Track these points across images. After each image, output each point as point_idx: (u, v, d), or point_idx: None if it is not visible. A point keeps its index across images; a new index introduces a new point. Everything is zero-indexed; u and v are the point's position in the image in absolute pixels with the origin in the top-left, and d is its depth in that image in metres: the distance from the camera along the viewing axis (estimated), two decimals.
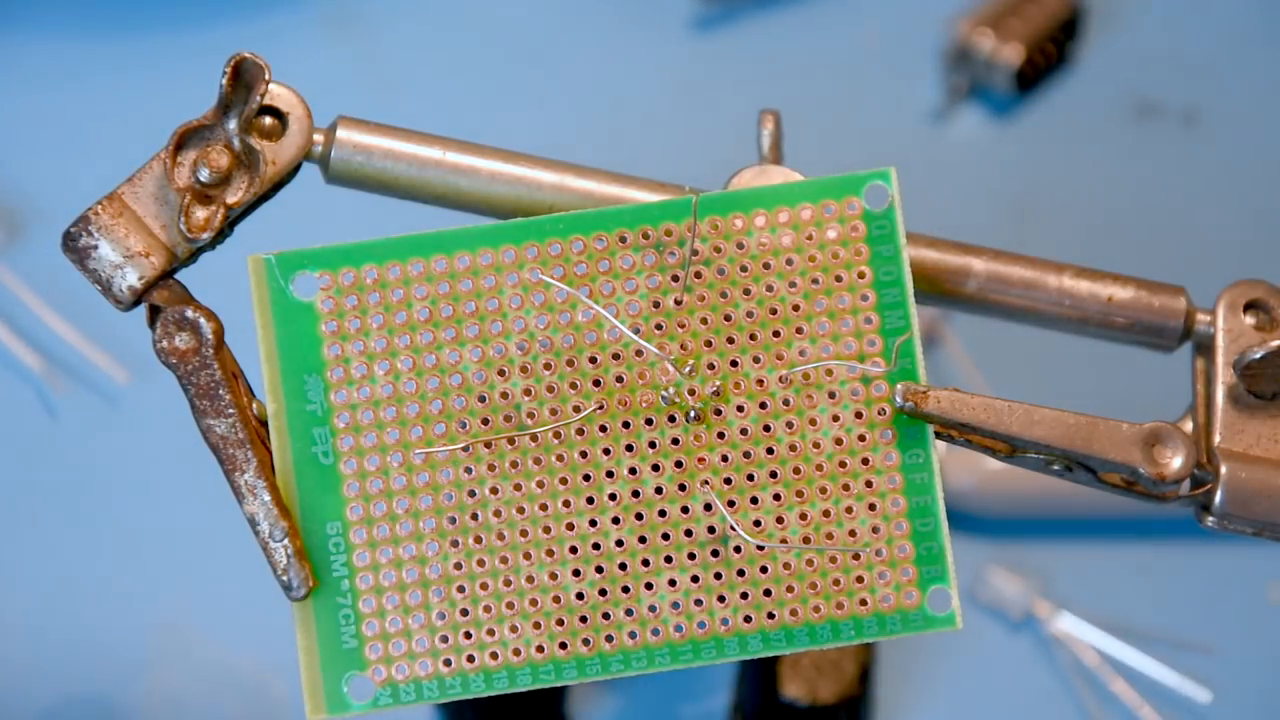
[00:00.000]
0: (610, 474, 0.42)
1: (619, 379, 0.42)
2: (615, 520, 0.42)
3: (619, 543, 0.42)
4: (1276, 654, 0.65)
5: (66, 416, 0.66)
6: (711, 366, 0.42)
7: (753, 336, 0.43)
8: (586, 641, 0.42)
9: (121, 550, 0.65)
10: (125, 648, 0.62)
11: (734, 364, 0.43)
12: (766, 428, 0.42)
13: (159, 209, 0.43)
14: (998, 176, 0.72)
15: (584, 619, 0.42)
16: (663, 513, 0.42)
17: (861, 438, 0.42)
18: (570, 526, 0.42)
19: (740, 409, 0.42)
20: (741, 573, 0.42)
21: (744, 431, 0.42)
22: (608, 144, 0.70)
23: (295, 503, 0.42)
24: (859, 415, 0.42)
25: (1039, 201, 0.71)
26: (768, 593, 0.42)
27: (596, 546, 0.42)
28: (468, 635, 0.42)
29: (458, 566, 0.42)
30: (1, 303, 0.67)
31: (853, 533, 0.43)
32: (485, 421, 0.42)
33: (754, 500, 0.42)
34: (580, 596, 0.42)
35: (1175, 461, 0.42)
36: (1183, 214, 0.71)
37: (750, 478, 0.42)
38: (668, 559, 0.42)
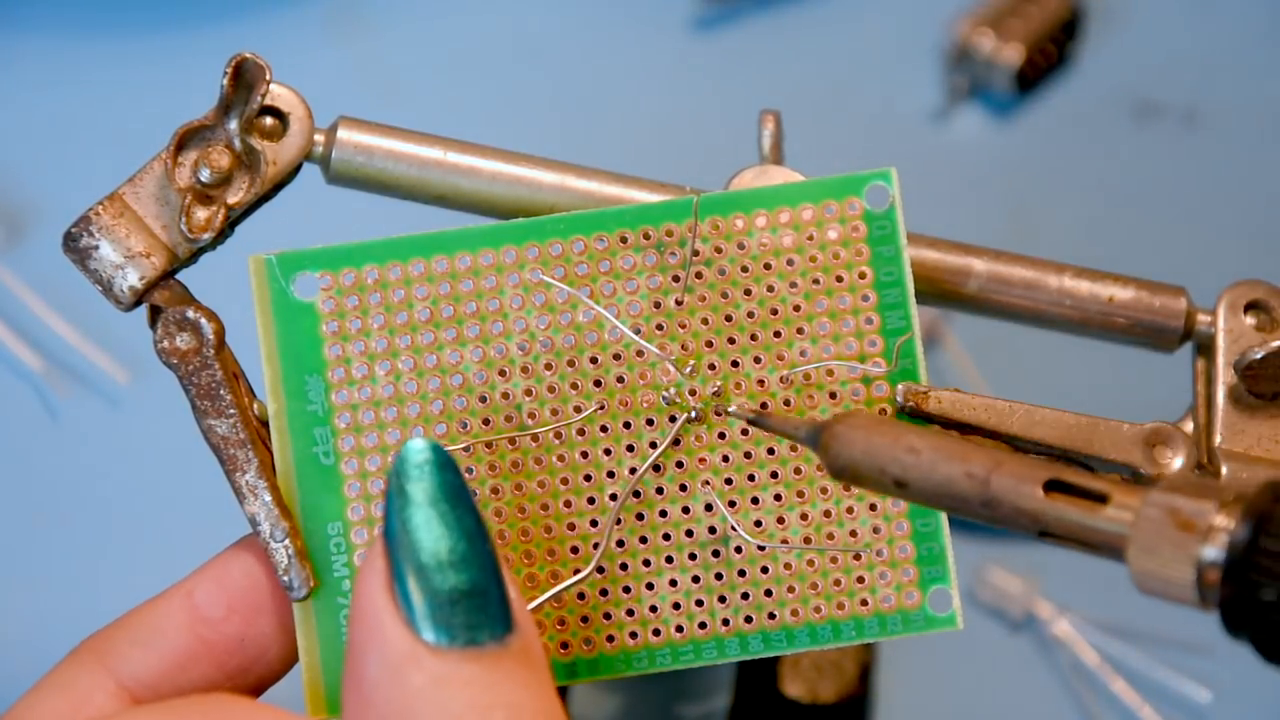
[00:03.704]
0: (611, 474, 0.42)
1: (620, 379, 0.42)
2: (616, 521, 0.42)
3: (620, 543, 0.42)
4: None
5: (67, 416, 0.66)
6: (712, 367, 0.43)
7: (754, 337, 0.43)
8: (588, 641, 0.42)
9: (122, 550, 0.64)
10: None
11: (735, 364, 0.43)
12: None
13: (160, 209, 0.43)
14: (998, 176, 0.72)
15: (585, 619, 0.42)
16: (664, 513, 0.42)
17: None
18: (571, 527, 0.42)
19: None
20: (742, 573, 0.42)
21: (745, 432, 0.42)
22: (608, 144, 0.70)
23: (296, 503, 0.42)
24: None
25: (1039, 201, 0.71)
26: (768, 593, 0.42)
27: (597, 546, 0.42)
28: None
29: None
30: (1, 303, 0.67)
31: (853, 533, 0.43)
32: (486, 422, 0.42)
33: (755, 500, 0.42)
34: (581, 596, 0.42)
35: (1176, 462, 0.42)
36: (1183, 214, 0.71)
37: (751, 478, 0.42)
38: (669, 559, 0.42)
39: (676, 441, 0.42)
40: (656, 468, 0.42)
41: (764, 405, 0.42)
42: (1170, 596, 0.35)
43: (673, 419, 0.42)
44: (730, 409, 0.42)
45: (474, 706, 0.36)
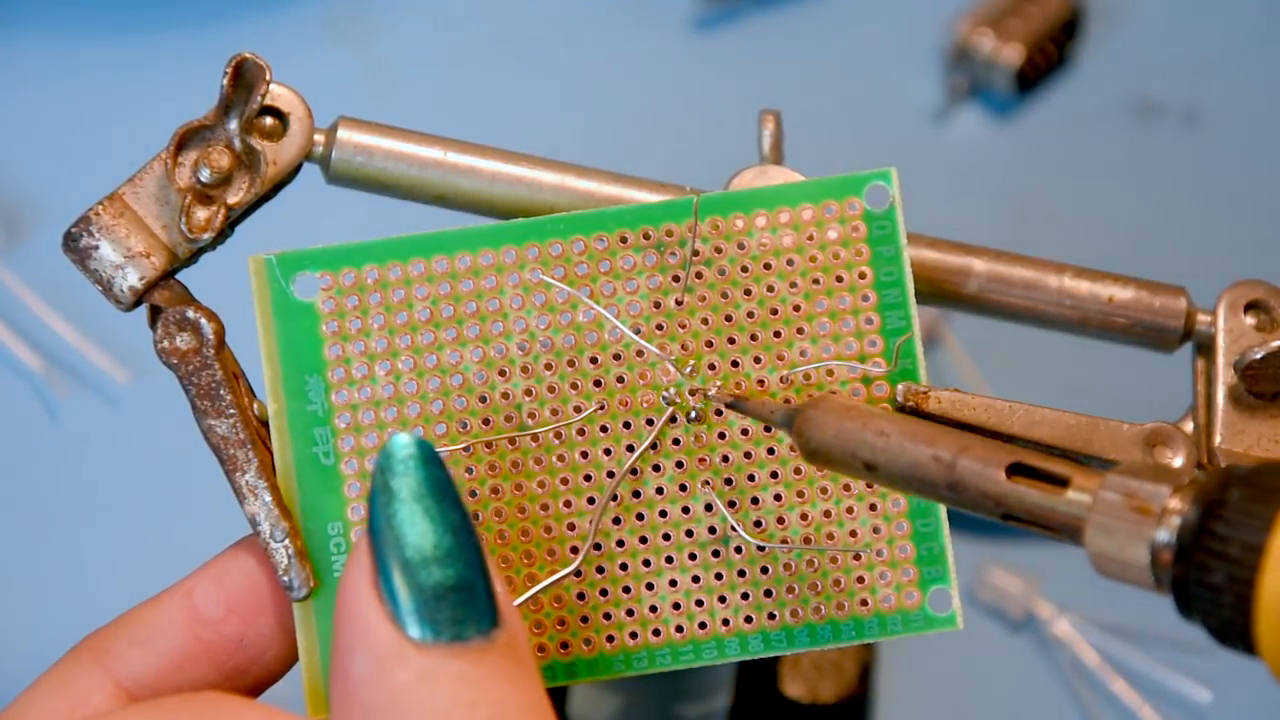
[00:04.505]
0: (611, 474, 0.42)
1: (620, 379, 0.42)
2: (616, 520, 0.42)
3: (620, 543, 0.42)
4: None
5: (66, 416, 0.66)
6: (712, 367, 0.43)
7: (754, 337, 0.43)
8: (588, 642, 0.42)
9: (121, 550, 0.64)
10: None
11: (735, 364, 0.43)
12: (767, 428, 0.42)
13: (160, 209, 0.43)
14: (998, 176, 0.72)
15: (585, 619, 0.42)
16: (663, 513, 0.42)
17: None
18: (571, 527, 0.42)
19: None
20: (742, 573, 0.42)
21: (744, 432, 0.42)
22: (608, 144, 0.70)
23: (296, 503, 0.42)
24: None
25: (1039, 201, 0.71)
26: (768, 593, 0.42)
27: (597, 547, 0.42)
28: None
29: None
30: (1, 303, 0.67)
31: (853, 533, 0.43)
32: (486, 422, 0.42)
33: (755, 500, 0.42)
34: (581, 597, 0.42)
35: (1176, 462, 0.42)
36: (1183, 214, 0.71)
37: (751, 478, 0.42)
38: (669, 559, 0.42)
39: (676, 441, 0.42)
40: (656, 467, 0.42)
41: (738, 385, 0.42)
42: (1127, 579, 0.35)
43: (673, 419, 0.42)
44: (709, 393, 0.42)
45: (460, 702, 0.36)
